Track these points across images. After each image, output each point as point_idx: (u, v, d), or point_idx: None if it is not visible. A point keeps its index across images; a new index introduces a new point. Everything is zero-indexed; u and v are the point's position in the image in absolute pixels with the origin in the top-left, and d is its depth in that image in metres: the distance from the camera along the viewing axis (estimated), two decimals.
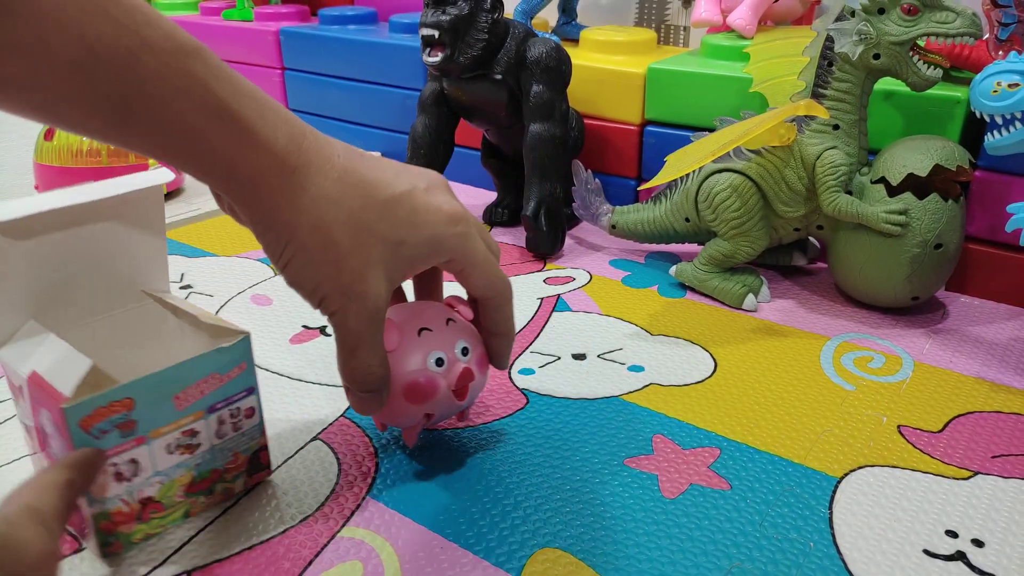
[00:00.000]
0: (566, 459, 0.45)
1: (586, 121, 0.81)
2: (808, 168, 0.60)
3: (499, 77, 0.72)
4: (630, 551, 0.38)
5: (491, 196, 0.88)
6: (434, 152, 0.77)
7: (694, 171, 0.65)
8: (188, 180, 0.95)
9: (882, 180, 0.58)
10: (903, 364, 0.56)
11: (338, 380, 0.53)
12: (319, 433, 0.48)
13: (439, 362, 0.41)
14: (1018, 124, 0.49)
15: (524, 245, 0.75)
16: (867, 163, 0.61)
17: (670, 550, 0.39)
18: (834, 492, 0.43)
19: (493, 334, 0.42)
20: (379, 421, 0.45)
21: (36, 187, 0.87)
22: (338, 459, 0.45)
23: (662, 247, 0.76)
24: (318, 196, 0.34)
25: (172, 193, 0.90)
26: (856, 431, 0.48)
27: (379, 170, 0.36)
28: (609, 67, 0.79)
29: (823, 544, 0.39)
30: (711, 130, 0.67)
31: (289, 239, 0.34)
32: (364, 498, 0.42)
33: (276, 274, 0.70)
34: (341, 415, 0.49)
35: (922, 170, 0.56)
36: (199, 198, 0.90)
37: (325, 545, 0.39)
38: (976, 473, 0.44)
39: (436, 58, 0.70)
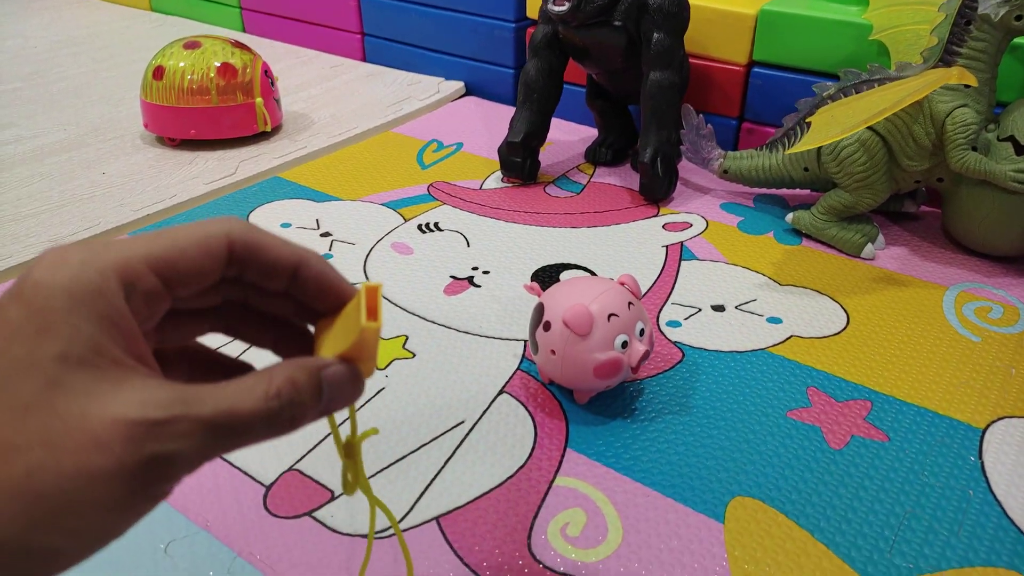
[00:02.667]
0: (735, 412, 0.50)
1: (691, 60, 0.82)
2: (937, 125, 0.62)
3: (619, 23, 0.73)
4: (814, 499, 0.44)
5: (592, 133, 0.90)
6: (547, 95, 0.79)
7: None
8: (287, 117, 0.97)
9: (1010, 138, 0.61)
10: (1020, 315, 0.60)
11: (507, 333, 0.58)
12: (504, 386, 0.53)
13: (624, 344, 0.47)
14: None
15: (635, 189, 0.78)
16: (993, 119, 0.63)
17: (848, 498, 0.44)
18: (981, 442, 0.48)
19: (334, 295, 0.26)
20: (548, 379, 0.50)
21: (145, 125, 0.89)
22: (529, 412, 0.50)
23: (770, 191, 0.79)
24: None
25: (274, 131, 0.92)
26: (990, 382, 0.53)
27: None
28: (719, 7, 0.79)
29: (980, 492, 0.45)
30: (833, 78, 0.69)
31: None
32: (565, 449, 0.48)
33: (407, 220, 0.73)
34: (517, 368, 0.54)
35: None
36: (302, 134, 0.92)
37: (546, 493, 0.44)
38: None
39: (562, 7, 0.70)
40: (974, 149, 0.62)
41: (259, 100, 0.88)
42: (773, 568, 0.40)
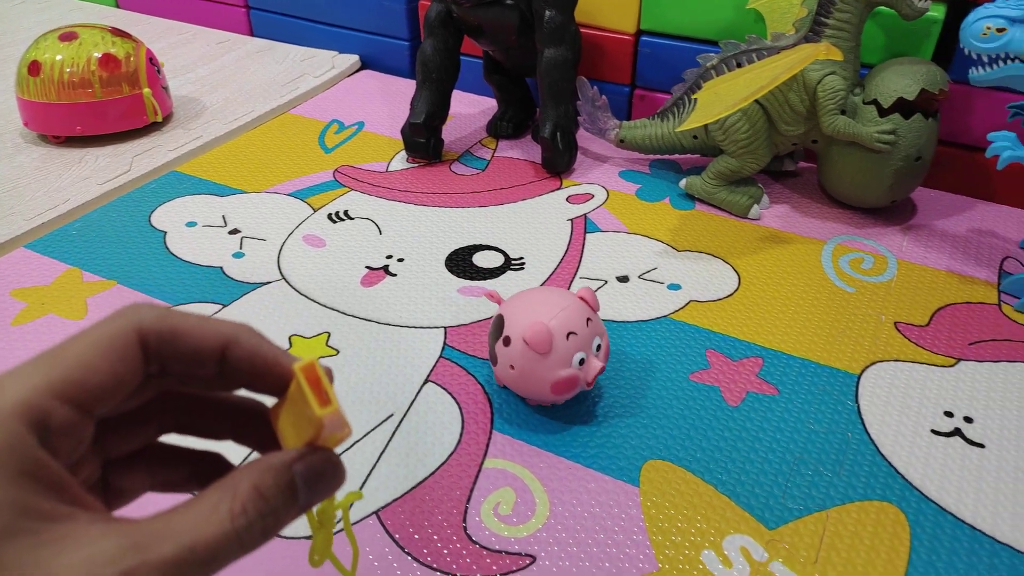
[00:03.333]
0: (642, 379, 0.55)
1: (581, 30, 0.84)
2: (810, 92, 0.67)
3: (511, 2, 0.74)
4: (716, 456, 0.49)
5: (493, 104, 0.92)
6: (445, 74, 0.79)
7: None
8: (177, 103, 0.94)
9: (874, 102, 0.66)
10: (888, 263, 0.67)
11: (426, 321, 0.60)
12: (428, 376, 0.55)
13: (581, 362, 0.48)
14: (1001, 63, 0.57)
15: (538, 161, 0.81)
16: (859, 83, 0.69)
17: (745, 451, 0.49)
18: (857, 387, 0.54)
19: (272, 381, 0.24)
20: (503, 385, 0.52)
21: (25, 123, 0.85)
22: (454, 398, 0.53)
23: (665, 156, 0.83)
24: None
25: (165, 121, 0.89)
26: (863, 330, 0.59)
27: None
28: None
29: (858, 433, 0.51)
30: (717, 47, 0.73)
31: None
32: (491, 432, 0.51)
33: (316, 209, 0.74)
34: (440, 356, 0.57)
35: (910, 94, 0.65)
36: (195, 122, 0.89)
37: (477, 476, 0.48)
38: (959, 360, 0.57)
39: None
40: (843, 113, 0.67)
41: (147, 91, 0.85)
42: (684, 522, 0.45)
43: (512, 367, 0.48)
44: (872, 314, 0.61)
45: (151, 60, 0.87)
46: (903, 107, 0.65)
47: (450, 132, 0.88)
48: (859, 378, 0.55)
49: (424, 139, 0.80)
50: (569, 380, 0.48)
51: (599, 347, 0.49)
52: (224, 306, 0.61)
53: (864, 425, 0.51)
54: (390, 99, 0.96)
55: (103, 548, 0.18)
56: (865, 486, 0.47)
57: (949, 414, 0.52)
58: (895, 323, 0.60)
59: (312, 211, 0.74)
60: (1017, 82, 0.58)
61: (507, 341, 0.49)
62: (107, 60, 0.83)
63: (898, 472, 0.48)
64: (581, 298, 0.50)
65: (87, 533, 0.19)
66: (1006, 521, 0.45)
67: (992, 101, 0.71)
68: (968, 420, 0.52)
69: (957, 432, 0.51)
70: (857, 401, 0.53)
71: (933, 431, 0.51)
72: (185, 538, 0.19)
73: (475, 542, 0.44)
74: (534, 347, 0.47)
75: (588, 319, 0.49)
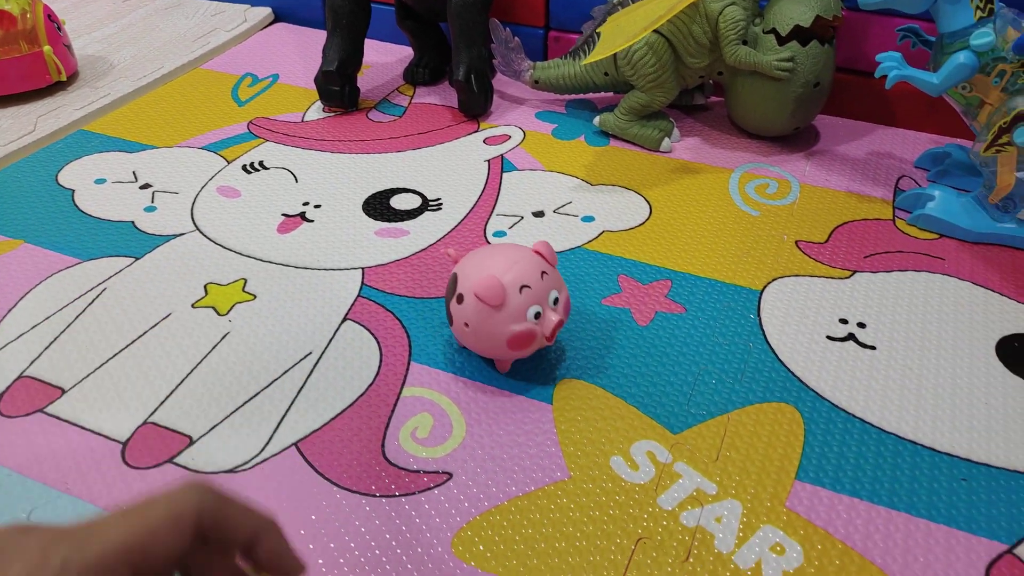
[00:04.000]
0: None
1: None
2: (712, 23, 0.69)
3: None
4: (626, 371, 0.51)
5: (409, 52, 0.91)
6: (356, 20, 0.79)
7: None
8: (83, 62, 0.91)
9: (773, 31, 0.68)
10: (792, 187, 0.69)
11: (344, 263, 0.60)
12: (346, 314, 0.56)
13: (537, 315, 0.47)
14: None
15: (455, 106, 0.81)
16: (759, 13, 0.70)
17: (654, 366, 0.52)
18: (759, 302, 0.57)
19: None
20: (462, 345, 0.51)
21: None
22: (372, 334, 0.54)
23: (580, 96, 0.84)
24: None
25: (70, 80, 0.87)
26: (766, 250, 0.62)
27: None
28: None
29: (759, 343, 0.53)
30: None
31: None
32: (409, 363, 0.52)
33: (230, 161, 0.73)
34: (358, 295, 0.57)
35: (805, 21, 0.67)
36: (103, 80, 0.87)
37: (395, 404, 0.49)
38: (855, 272, 0.60)
39: None
40: (744, 43, 0.69)
41: (47, 48, 0.82)
42: (594, 433, 0.47)
43: (467, 324, 0.47)
44: (775, 235, 0.64)
45: (49, 16, 0.84)
46: (800, 35, 0.68)
47: (367, 81, 0.88)
48: (761, 293, 0.58)
49: (339, 87, 0.79)
50: (525, 335, 0.47)
51: (556, 300, 0.48)
52: (137, 259, 0.61)
53: (765, 335, 0.54)
54: (305, 51, 0.95)
55: None
56: (764, 390, 0.50)
57: (844, 321, 0.55)
58: (796, 242, 0.63)
59: (226, 163, 0.73)
60: (903, 4, 0.60)
61: (460, 299, 0.47)
62: (1, 17, 0.79)
63: (795, 375, 0.51)
64: (536, 252, 0.48)
65: None
66: (892, 413, 0.48)
67: (886, 26, 0.74)
68: (861, 326, 0.55)
69: (851, 337, 0.54)
70: (759, 314, 0.56)
71: (828, 337, 0.54)
72: None
73: (393, 464, 0.45)
74: (485, 300, 0.46)
75: (543, 272, 0.47)
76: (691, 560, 0.40)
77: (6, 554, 0.21)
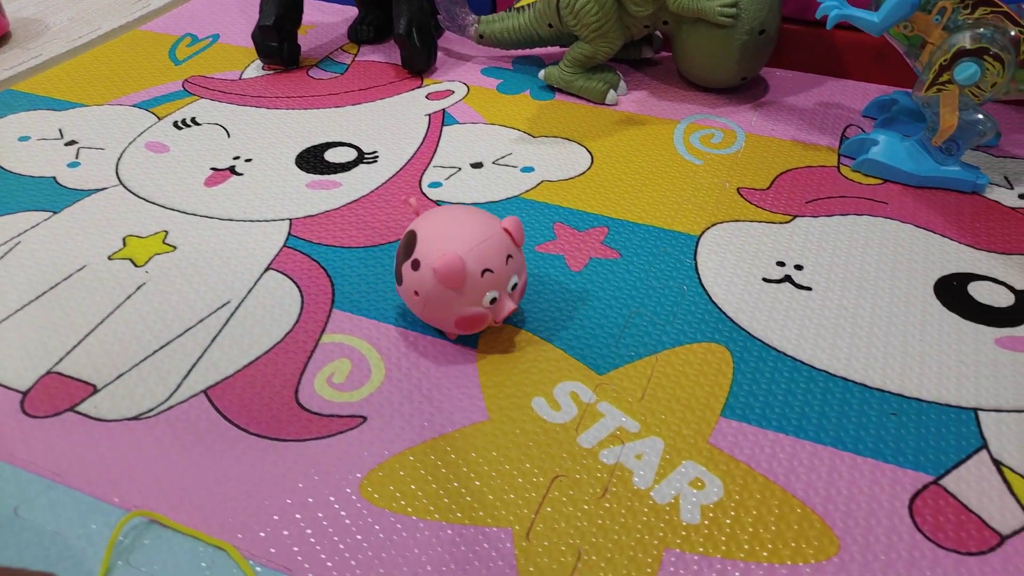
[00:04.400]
0: None
1: None
2: None
3: None
4: (555, 315, 0.50)
5: (352, 12, 0.89)
6: None
7: None
8: (15, 23, 0.88)
9: None
10: (737, 137, 0.68)
11: (271, 215, 0.58)
12: (270, 264, 0.54)
13: (492, 301, 0.43)
14: None
15: (399, 63, 0.79)
16: None
17: (584, 309, 0.50)
18: (696, 246, 0.55)
19: None
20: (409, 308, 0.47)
21: None
22: (295, 283, 0.52)
23: (527, 52, 0.82)
24: None
25: (2, 41, 0.84)
26: (707, 197, 0.60)
27: None
28: None
29: (693, 286, 0.52)
30: None
31: None
32: (331, 311, 0.50)
33: (161, 118, 0.70)
34: (284, 245, 0.56)
35: None
36: (35, 41, 0.84)
37: (312, 351, 0.47)
38: (795, 216, 0.58)
39: None
40: None
41: None
42: (518, 376, 0.45)
43: (416, 293, 0.44)
44: (717, 182, 0.62)
45: None
46: None
47: (310, 40, 0.85)
48: (699, 239, 0.56)
49: (277, 43, 0.77)
50: (475, 318, 0.44)
51: (515, 286, 0.45)
52: (55, 213, 0.58)
53: (700, 278, 0.52)
54: (249, 11, 0.92)
55: None
56: (695, 331, 0.48)
57: (781, 264, 0.54)
58: (738, 189, 0.61)
59: (157, 120, 0.70)
60: None
61: (416, 264, 0.43)
62: None
63: (727, 316, 0.49)
64: (506, 230, 0.44)
65: None
66: (825, 351, 0.47)
67: None
68: (799, 268, 0.53)
69: (787, 279, 0.52)
70: (695, 259, 0.54)
71: (764, 279, 0.52)
72: None
73: (306, 409, 0.43)
74: (445, 282, 0.42)
75: (509, 256, 0.43)
76: (607, 496, 0.39)
77: None
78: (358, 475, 0.40)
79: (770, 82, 0.76)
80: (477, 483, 0.40)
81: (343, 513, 0.38)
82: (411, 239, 0.44)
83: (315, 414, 0.43)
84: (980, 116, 0.57)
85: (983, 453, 0.41)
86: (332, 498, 0.39)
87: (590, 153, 0.66)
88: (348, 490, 0.39)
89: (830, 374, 0.45)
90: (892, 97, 0.68)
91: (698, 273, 0.53)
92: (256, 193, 0.61)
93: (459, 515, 0.38)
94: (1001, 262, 0.54)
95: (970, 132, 0.58)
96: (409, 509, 0.38)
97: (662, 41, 0.80)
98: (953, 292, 0.51)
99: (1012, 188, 0.61)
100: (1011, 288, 0.51)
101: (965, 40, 0.55)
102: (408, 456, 0.41)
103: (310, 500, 0.39)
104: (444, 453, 0.41)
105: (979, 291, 0.51)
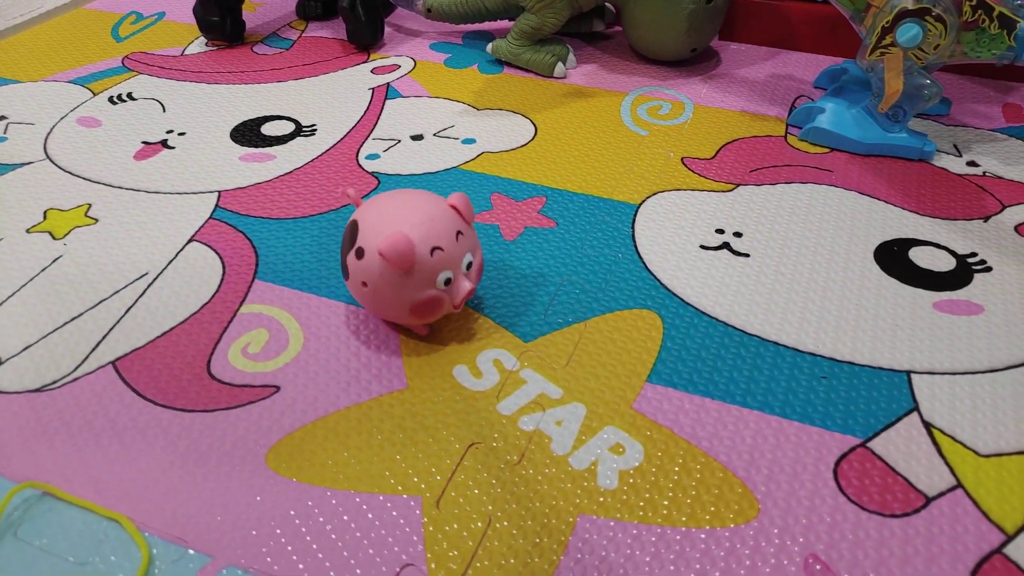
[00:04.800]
0: None
1: None
2: None
3: None
4: (486, 284, 0.48)
5: None
6: None
7: None
8: None
9: None
10: (686, 108, 0.66)
11: (200, 187, 0.56)
12: (193, 235, 0.52)
13: (447, 282, 0.40)
14: None
15: (345, 38, 0.77)
16: None
17: (516, 279, 0.49)
18: (635, 215, 0.54)
19: None
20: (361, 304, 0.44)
21: None
22: (218, 253, 0.51)
23: (477, 27, 0.81)
24: None
25: None
26: (650, 167, 0.59)
27: None
28: None
29: (628, 253, 0.51)
30: None
31: None
32: (252, 281, 0.48)
33: (96, 93, 0.68)
34: (210, 216, 0.54)
35: None
36: None
37: (229, 322, 0.45)
38: (738, 185, 0.57)
39: None
40: None
41: None
42: (441, 344, 0.44)
43: (365, 284, 0.40)
44: (661, 153, 0.61)
45: None
46: None
47: (257, 17, 0.83)
48: (638, 208, 0.55)
49: (219, 17, 0.75)
50: (431, 302, 0.40)
51: (470, 265, 0.41)
52: None
53: (636, 246, 0.51)
54: None
55: None
56: (627, 298, 0.47)
57: (720, 231, 0.52)
58: (682, 158, 0.60)
59: (92, 95, 0.68)
60: None
61: (360, 253, 0.40)
62: None
63: (661, 283, 0.48)
64: (452, 207, 0.41)
65: None
66: (758, 316, 0.46)
67: None
68: (738, 235, 0.52)
69: (725, 246, 0.51)
70: (633, 227, 0.53)
71: (702, 246, 0.51)
72: None
73: (217, 379, 0.42)
74: (392, 262, 0.38)
75: (459, 232, 0.40)
76: (524, 463, 0.37)
77: None
78: (265, 446, 0.38)
79: (722, 55, 0.75)
80: (390, 452, 0.38)
81: (247, 485, 0.37)
82: (353, 228, 0.41)
83: (226, 384, 0.41)
84: (926, 81, 0.56)
85: (914, 416, 0.40)
86: (236, 469, 0.37)
87: (534, 125, 0.64)
88: (253, 461, 0.38)
89: (762, 339, 0.44)
90: (842, 67, 0.67)
91: (635, 241, 0.52)
92: (187, 166, 0.59)
93: (368, 484, 0.37)
94: (945, 227, 0.53)
95: (916, 97, 0.57)
96: (318, 479, 0.37)
97: (614, 14, 0.78)
98: (894, 257, 0.50)
99: (961, 156, 0.60)
100: (953, 252, 0.50)
101: (907, 1, 0.53)
102: (319, 426, 0.39)
103: (213, 471, 0.37)
104: (358, 422, 0.39)
105: (920, 256, 0.50)
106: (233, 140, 0.62)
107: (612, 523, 0.35)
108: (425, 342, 0.44)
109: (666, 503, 0.36)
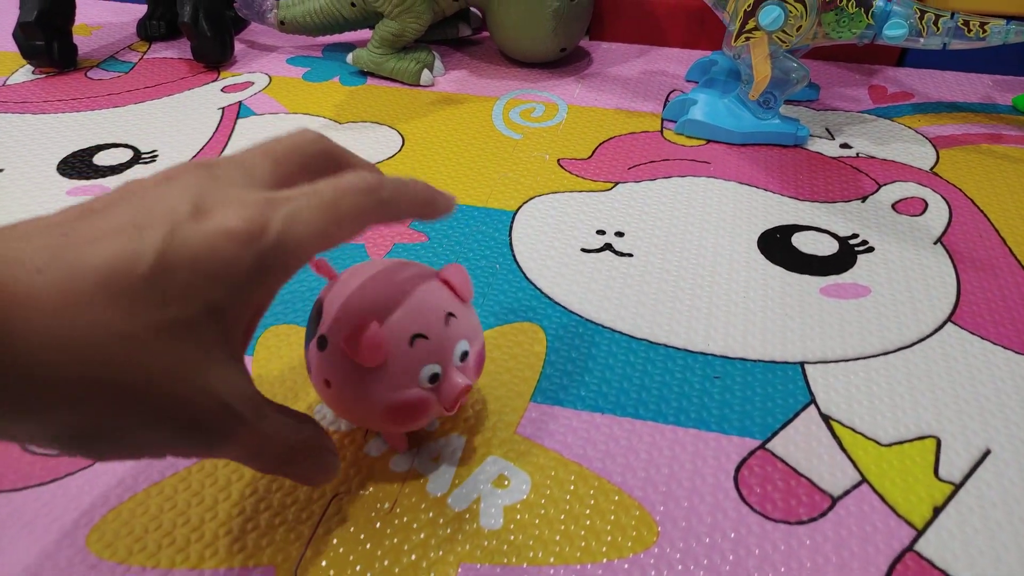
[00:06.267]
0: None
1: None
2: None
3: None
4: None
5: (142, 9, 0.80)
6: None
7: None
8: None
9: None
10: (559, 109, 0.64)
11: None
12: None
13: (433, 378, 0.31)
14: None
15: (192, 58, 0.71)
16: None
17: None
18: (512, 222, 0.51)
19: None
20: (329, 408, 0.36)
21: None
22: None
23: (337, 38, 0.76)
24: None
25: None
26: (525, 172, 0.56)
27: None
28: None
29: (506, 263, 0.47)
30: None
31: None
32: None
33: None
34: None
35: None
36: None
37: None
38: (617, 183, 0.54)
39: None
40: None
41: None
42: (291, 381, 0.39)
43: (328, 383, 0.31)
44: (536, 156, 0.58)
45: None
46: None
47: (94, 41, 0.76)
48: (515, 214, 0.51)
49: (43, 41, 0.67)
50: (413, 404, 0.30)
51: (466, 355, 0.32)
52: None
53: (514, 255, 0.48)
54: (16, 11, 0.81)
55: None
56: (508, 311, 0.43)
57: (601, 232, 0.50)
58: (558, 160, 0.57)
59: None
60: None
61: (322, 343, 0.31)
62: None
63: (542, 292, 0.45)
64: (445, 281, 0.32)
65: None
66: (645, 319, 0.43)
67: None
68: (619, 235, 0.49)
69: (607, 247, 0.48)
70: (510, 235, 0.49)
71: (583, 249, 0.48)
72: None
73: (30, 450, 0.35)
74: (357, 357, 0.29)
75: (449, 314, 0.31)
76: (396, 510, 0.33)
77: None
78: (87, 525, 0.32)
79: (594, 54, 0.73)
80: (245, 512, 0.33)
81: (64, 574, 0.30)
82: (317, 310, 0.31)
83: (41, 454, 0.35)
84: (793, 64, 0.55)
85: (811, 409, 0.37)
86: (49, 555, 0.31)
87: (401, 136, 0.60)
88: (71, 544, 0.32)
89: (651, 342, 0.41)
90: (711, 58, 0.66)
91: (512, 250, 0.48)
92: (4, 205, 0.52)
93: (214, 559, 0.31)
94: (824, 211, 0.51)
95: (784, 82, 0.56)
96: (150, 561, 0.31)
97: (480, 18, 0.75)
98: (777, 245, 0.48)
99: (834, 138, 0.60)
100: (834, 235, 0.49)
101: None
102: (151, 494, 0.34)
103: (24, 558, 0.31)
104: (199, 487, 0.34)
105: (803, 241, 0.49)
106: (60, 173, 0.55)
107: (499, 569, 0.31)
108: (276, 380, 0.39)
109: (558, 538, 0.32)
